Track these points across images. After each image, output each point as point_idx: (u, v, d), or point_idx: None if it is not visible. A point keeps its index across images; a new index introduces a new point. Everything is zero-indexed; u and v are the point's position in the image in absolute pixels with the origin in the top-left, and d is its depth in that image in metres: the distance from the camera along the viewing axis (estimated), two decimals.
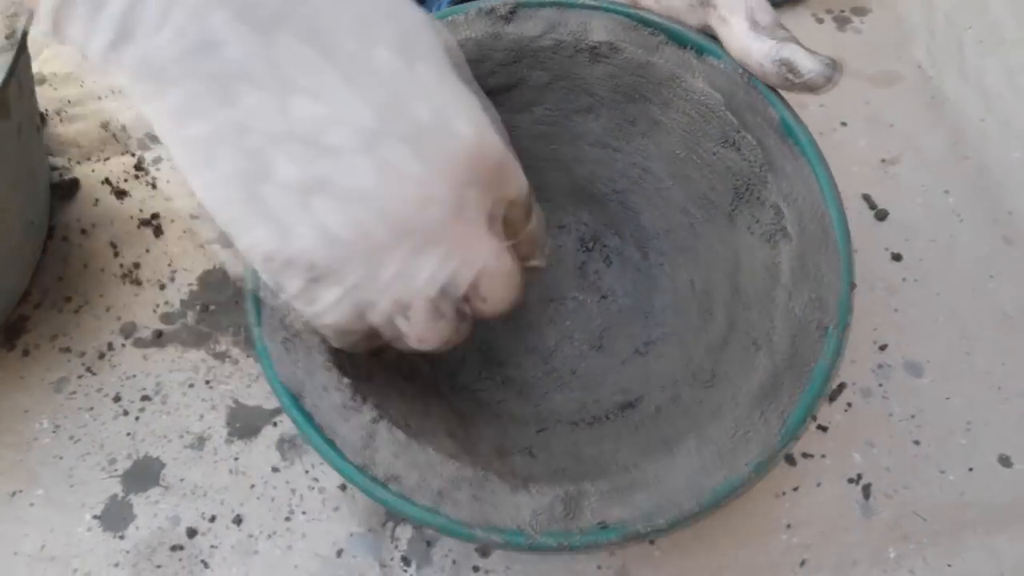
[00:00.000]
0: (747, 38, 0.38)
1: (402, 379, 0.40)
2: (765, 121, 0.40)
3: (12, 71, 0.40)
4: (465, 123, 0.29)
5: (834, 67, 0.37)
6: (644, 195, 0.48)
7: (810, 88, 0.38)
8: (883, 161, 0.57)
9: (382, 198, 0.28)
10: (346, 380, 0.35)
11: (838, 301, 0.36)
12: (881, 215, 0.54)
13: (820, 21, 0.64)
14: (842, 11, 0.64)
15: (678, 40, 0.42)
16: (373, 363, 0.39)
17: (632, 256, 0.49)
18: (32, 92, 0.48)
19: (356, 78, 0.27)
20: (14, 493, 0.44)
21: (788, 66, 0.37)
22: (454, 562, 0.43)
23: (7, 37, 0.41)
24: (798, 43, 0.37)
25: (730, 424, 0.35)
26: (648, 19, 0.42)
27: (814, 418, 0.37)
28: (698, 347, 0.44)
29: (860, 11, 0.64)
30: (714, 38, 0.41)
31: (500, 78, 0.44)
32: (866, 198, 0.55)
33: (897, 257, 0.53)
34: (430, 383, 0.43)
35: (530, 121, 0.47)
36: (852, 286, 0.37)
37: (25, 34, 0.41)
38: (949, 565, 0.43)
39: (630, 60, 0.43)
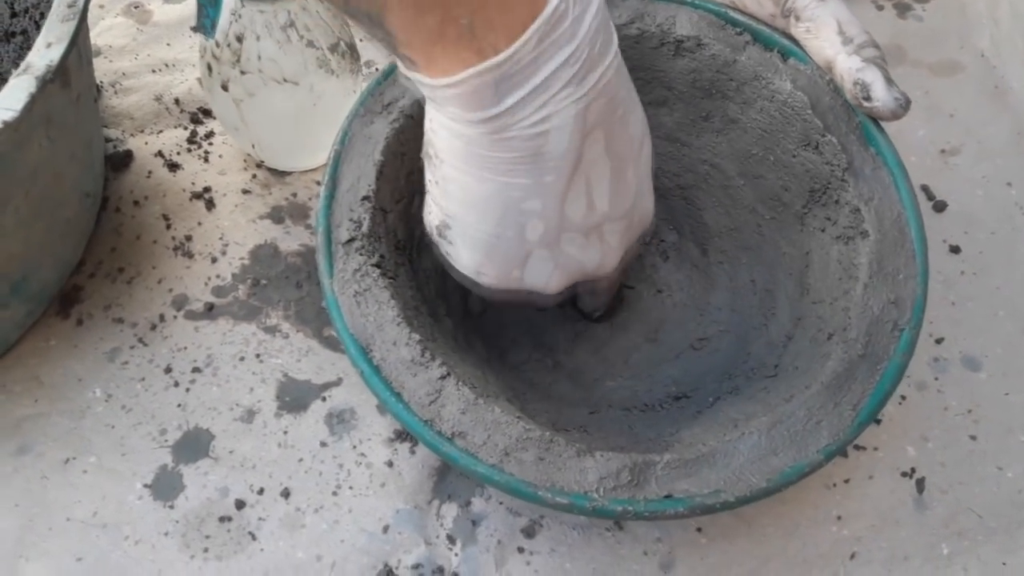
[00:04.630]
0: (834, 50, 0.39)
1: (460, 349, 0.41)
2: (848, 126, 0.40)
3: (74, 40, 0.40)
4: (647, 211, 0.40)
5: (904, 105, 0.38)
6: (710, 192, 0.47)
7: (875, 115, 0.39)
8: (943, 151, 0.56)
9: (586, 263, 0.38)
10: (416, 336, 0.36)
11: (914, 304, 0.37)
12: (940, 206, 0.53)
13: (880, 8, 0.62)
14: None
15: (764, 42, 0.42)
16: (435, 329, 0.39)
17: (690, 253, 0.49)
18: (90, 63, 0.49)
19: (614, 177, 0.36)
20: (67, 460, 0.44)
21: (863, 88, 0.38)
22: (499, 542, 0.43)
23: (69, 6, 0.41)
24: (882, 68, 0.38)
25: (803, 410, 0.35)
26: (734, 18, 0.43)
27: None
28: (758, 344, 0.44)
29: None
30: (796, 42, 0.41)
31: None
32: (924, 189, 0.54)
33: (955, 249, 0.52)
34: (483, 358, 0.43)
35: None
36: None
37: (87, 3, 0.41)
38: (1004, 563, 0.43)
39: (715, 57, 0.43)
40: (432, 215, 0.37)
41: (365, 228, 0.38)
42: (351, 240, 0.38)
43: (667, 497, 0.33)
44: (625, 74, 0.35)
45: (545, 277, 0.38)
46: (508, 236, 0.35)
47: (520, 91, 0.30)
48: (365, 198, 0.39)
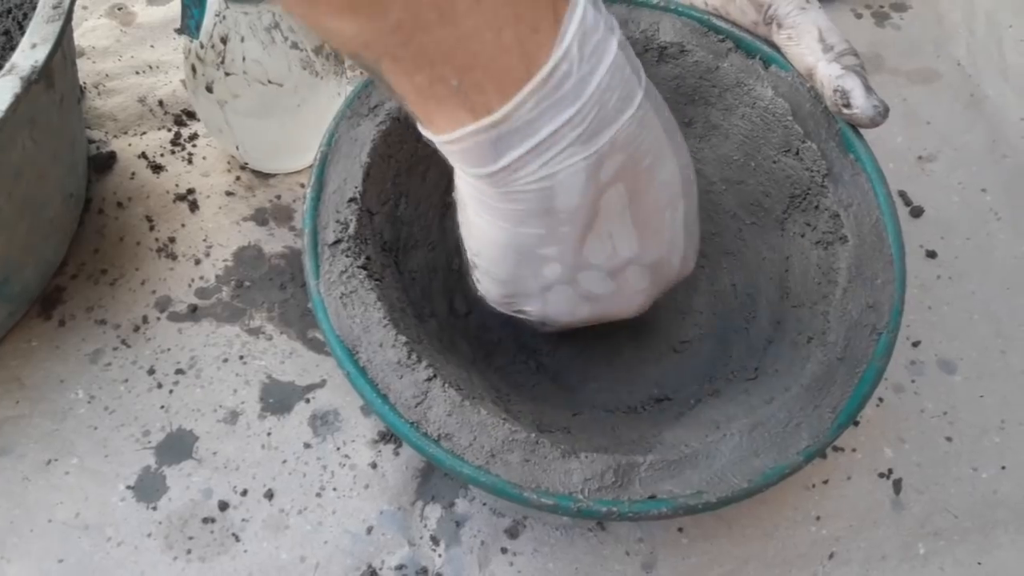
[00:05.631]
0: (814, 58, 0.40)
1: (445, 350, 0.41)
2: (827, 133, 0.40)
3: (59, 41, 0.40)
4: (683, 258, 0.39)
5: (883, 113, 0.39)
6: None
7: (854, 122, 0.40)
8: (920, 158, 0.57)
9: (608, 303, 0.38)
10: (402, 338, 0.36)
11: (892, 307, 0.38)
12: (916, 212, 0.54)
13: (859, 16, 0.63)
14: (881, 7, 0.64)
15: (746, 49, 0.43)
16: (421, 331, 0.39)
17: None
18: (74, 64, 0.49)
19: (643, 226, 0.35)
20: (49, 461, 0.44)
21: (843, 95, 0.39)
22: (482, 543, 0.43)
23: (55, 7, 0.41)
24: (862, 76, 0.39)
25: (783, 412, 0.36)
26: (717, 25, 0.43)
27: None
28: (738, 347, 0.44)
29: (900, 7, 0.64)
30: (778, 49, 0.42)
31: None
32: (902, 195, 0.55)
33: (932, 254, 0.53)
34: (468, 360, 0.43)
35: None
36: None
37: (72, 4, 0.41)
38: (979, 563, 0.43)
39: (698, 64, 0.43)
40: (465, 252, 0.38)
41: (351, 230, 0.38)
42: (337, 242, 0.38)
43: (651, 498, 0.34)
44: (654, 122, 0.33)
45: (569, 310, 0.38)
46: (526, 276, 0.36)
47: (518, 150, 0.30)
48: (351, 200, 0.39)
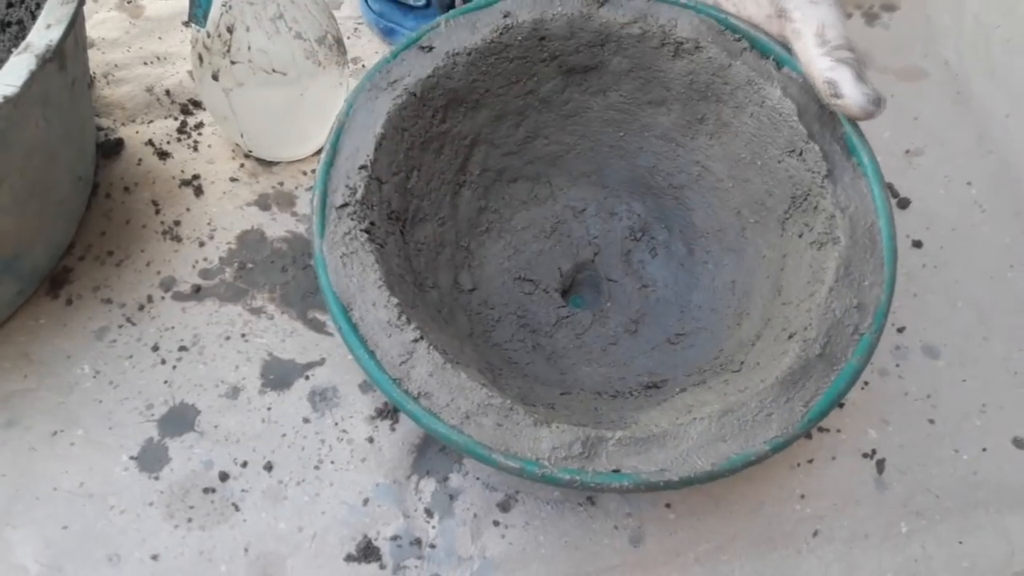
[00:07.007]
0: (811, 52, 0.40)
1: (442, 321, 0.42)
2: (832, 135, 0.41)
3: (73, 22, 0.41)
4: None
5: (875, 101, 0.39)
6: (700, 193, 0.49)
7: (847, 113, 0.40)
8: (907, 152, 0.58)
9: None
10: (394, 300, 0.37)
11: (877, 309, 0.38)
12: (903, 203, 0.55)
13: (849, 16, 0.65)
14: (871, 7, 0.65)
15: (760, 49, 0.44)
16: (418, 298, 0.41)
17: (678, 251, 0.50)
18: (85, 50, 0.50)
19: None
20: (55, 432, 0.45)
21: (832, 86, 0.39)
22: (475, 515, 0.44)
23: None
24: (854, 68, 0.39)
25: (755, 401, 0.36)
26: (734, 25, 0.44)
27: None
28: (730, 342, 0.45)
29: (889, 7, 0.65)
30: (790, 45, 0.43)
31: (583, 58, 0.46)
32: (889, 187, 0.56)
33: (918, 244, 0.54)
34: (465, 333, 0.44)
35: (603, 106, 0.48)
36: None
37: None
38: (960, 542, 0.44)
39: (712, 61, 0.44)
40: None
41: (359, 195, 0.40)
42: (344, 205, 0.39)
43: (615, 471, 0.35)
44: None
45: None
46: None
47: None
48: (362, 167, 0.40)
